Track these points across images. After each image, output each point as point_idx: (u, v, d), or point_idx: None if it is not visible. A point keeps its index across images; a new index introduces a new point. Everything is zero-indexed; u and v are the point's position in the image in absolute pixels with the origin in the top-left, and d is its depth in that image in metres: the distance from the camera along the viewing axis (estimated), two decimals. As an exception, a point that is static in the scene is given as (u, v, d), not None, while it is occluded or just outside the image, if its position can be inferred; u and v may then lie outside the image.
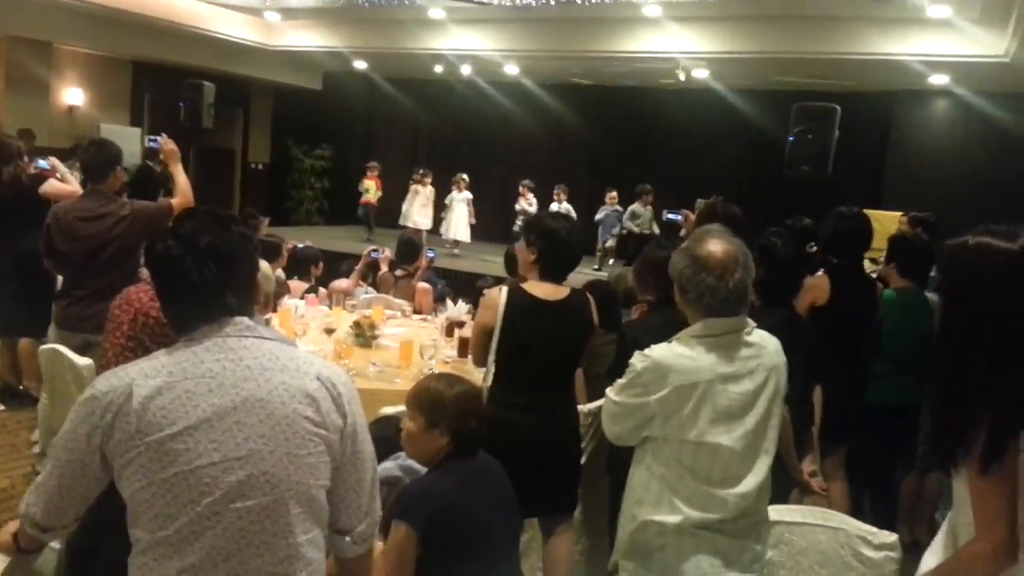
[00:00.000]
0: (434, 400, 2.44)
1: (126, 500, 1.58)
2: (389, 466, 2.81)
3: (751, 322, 2.29)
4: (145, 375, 1.56)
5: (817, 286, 3.90)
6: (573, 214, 11.56)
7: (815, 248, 5.15)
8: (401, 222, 12.94)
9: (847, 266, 4.00)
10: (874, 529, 2.48)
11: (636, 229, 11.48)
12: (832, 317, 3.82)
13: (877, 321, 3.98)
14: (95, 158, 4.25)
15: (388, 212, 13.76)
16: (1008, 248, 1.70)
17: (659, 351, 2.23)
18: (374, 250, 6.50)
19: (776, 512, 2.48)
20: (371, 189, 13.49)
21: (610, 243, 12.04)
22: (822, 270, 4.19)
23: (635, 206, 11.63)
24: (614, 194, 12.05)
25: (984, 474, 1.64)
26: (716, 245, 2.21)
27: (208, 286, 1.62)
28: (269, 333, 1.68)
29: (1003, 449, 1.63)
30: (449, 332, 4.73)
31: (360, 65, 14.30)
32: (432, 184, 13.21)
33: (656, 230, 11.25)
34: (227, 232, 1.67)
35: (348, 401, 1.70)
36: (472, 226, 12.86)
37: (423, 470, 2.55)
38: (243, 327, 1.63)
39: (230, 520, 1.55)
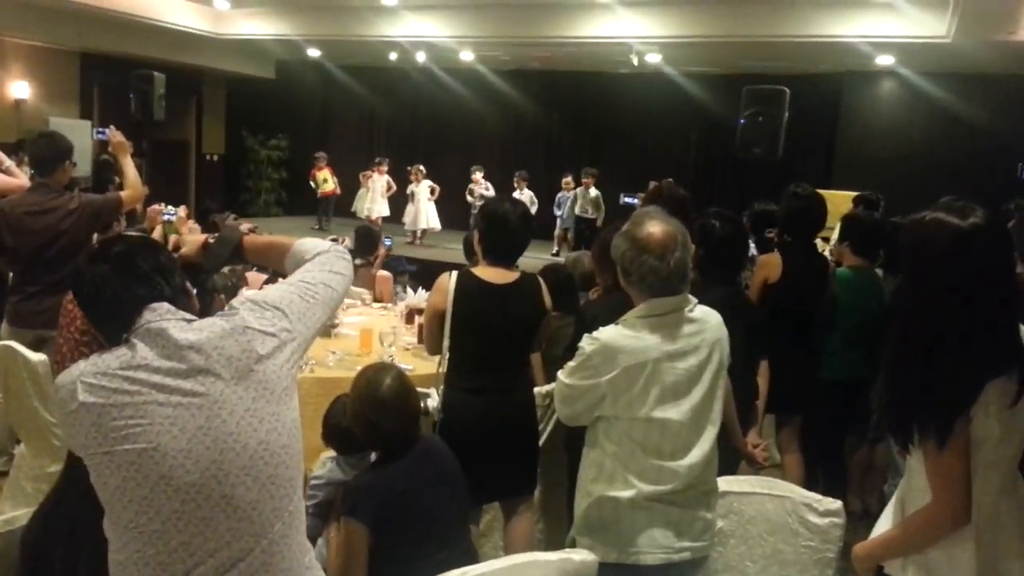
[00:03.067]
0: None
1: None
2: (332, 467, 2.84)
3: (693, 299, 2.36)
4: (91, 386, 1.55)
5: (769, 263, 4.00)
6: (535, 200, 11.68)
7: (772, 233, 5.26)
8: (356, 212, 12.92)
9: (799, 244, 4.10)
10: (819, 496, 2.56)
11: (582, 214, 11.66)
12: (784, 293, 3.92)
13: (829, 298, 4.09)
14: (45, 151, 4.19)
15: (345, 202, 13.71)
16: (957, 225, 1.75)
17: (607, 333, 2.29)
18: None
19: (725, 483, 2.56)
20: (328, 179, 13.44)
21: (557, 230, 12.21)
22: (775, 248, 4.29)
23: (579, 190, 11.80)
24: (568, 179, 12.14)
25: (942, 448, 1.71)
26: (655, 226, 2.28)
27: (155, 271, 1.68)
28: (186, 313, 1.68)
29: (955, 424, 1.70)
30: (409, 319, 4.75)
31: (313, 53, 14.16)
32: (388, 172, 13.20)
33: (592, 213, 11.41)
34: (157, 255, 1.74)
35: (269, 327, 1.68)
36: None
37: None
38: (163, 311, 1.64)
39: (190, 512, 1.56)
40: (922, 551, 1.83)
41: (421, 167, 12.89)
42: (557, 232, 12.22)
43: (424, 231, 12.71)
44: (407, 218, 12.85)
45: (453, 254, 10.37)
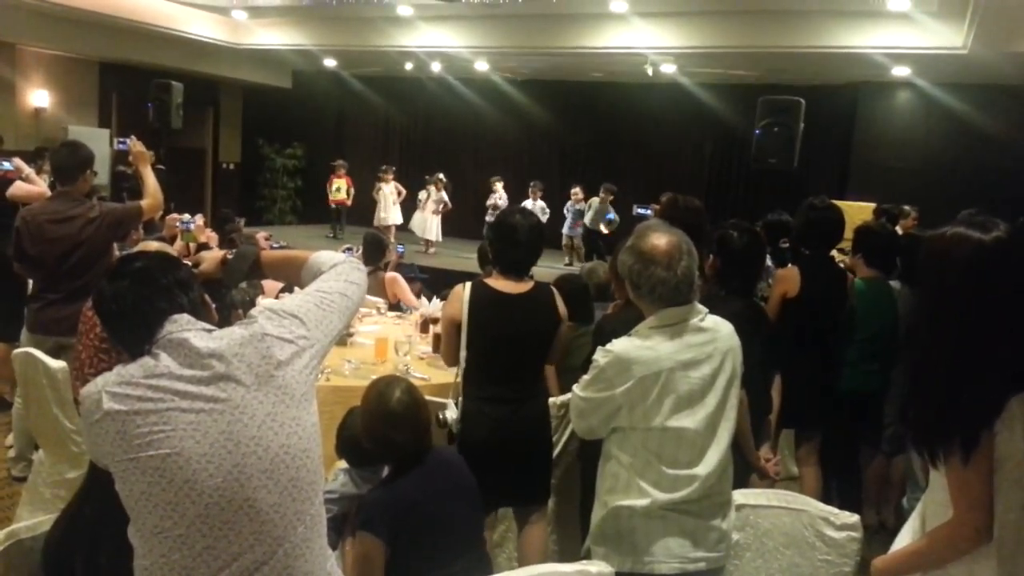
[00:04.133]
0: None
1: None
2: (345, 480, 2.85)
3: (703, 308, 2.37)
4: (114, 395, 1.59)
5: (788, 278, 3.96)
6: (547, 211, 11.67)
7: (787, 244, 5.24)
8: (376, 222, 12.98)
9: (817, 257, 4.07)
10: (836, 510, 2.55)
11: (594, 227, 11.59)
12: (804, 308, 3.88)
13: (848, 310, 4.06)
14: (67, 160, 4.23)
15: (359, 211, 13.77)
16: (980, 238, 1.75)
17: (620, 345, 2.30)
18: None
19: (741, 496, 2.56)
20: (343, 188, 13.50)
21: (564, 239, 12.13)
22: (791, 263, 4.27)
23: (595, 200, 11.72)
24: (577, 190, 12.09)
25: (967, 464, 1.71)
26: (659, 238, 2.30)
27: (175, 285, 1.72)
28: (206, 324, 1.73)
29: (979, 439, 1.70)
30: (424, 328, 4.77)
31: (329, 63, 14.26)
32: (397, 180, 13.25)
33: (606, 228, 11.38)
34: (176, 270, 1.79)
35: (285, 334, 1.71)
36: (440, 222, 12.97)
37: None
38: (184, 322, 1.68)
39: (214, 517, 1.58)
40: (942, 567, 1.82)
41: (441, 176, 12.87)
42: (564, 242, 12.19)
43: (429, 241, 12.73)
44: (413, 224, 12.87)
45: (463, 263, 10.41)
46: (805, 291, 3.89)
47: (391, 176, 13.15)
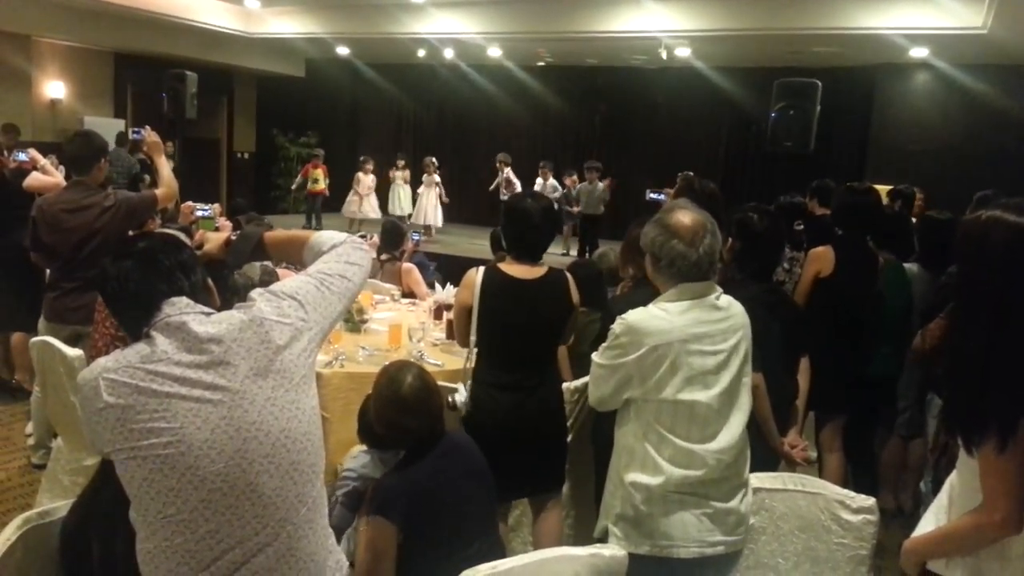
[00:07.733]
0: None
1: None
2: (366, 461, 2.86)
3: (718, 287, 2.39)
4: (113, 382, 1.58)
5: (822, 257, 3.93)
6: (560, 190, 11.63)
7: (802, 226, 5.21)
8: (390, 210, 13.02)
9: (851, 238, 4.03)
10: (852, 493, 2.54)
11: (591, 211, 11.48)
12: (836, 288, 3.86)
13: (878, 293, 4.03)
14: (80, 150, 4.24)
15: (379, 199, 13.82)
16: (1016, 222, 1.71)
17: (635, 315, 2.33)
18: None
19: (757, 479, 2.55)
20: (320, 179, 13.51)
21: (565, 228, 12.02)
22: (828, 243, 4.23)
23: (583, 185, 11.62)
24: (575, 177, 12.00)
25: (1002, 452, 1.67)
26: (685, 216, 2.36)
27: (177, 267, 1.72)
28: (205, 308, 1.72)
29: (1016, 426, 1.66)
30: (438, 315, 4.77)
31: (343, 51, 14.25)
32: (411, 168, 13.33)
33: (602, 208, 11.28)
34: (179, 252, 1.78)
35: (281, 318, 1.70)
36: (446, 207, 13.08)
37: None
38: (183, 305, 1.67)
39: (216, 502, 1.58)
40: (971, 553, 1.80)
41: (432, 159, 12.95)
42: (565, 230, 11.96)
43: (428, 227, 12.80)
44: (416, 214, 13.01)
45: (478, 249, 10.40)
46: (839, 271, 3.86)
47: (402, 164, 13.24)
